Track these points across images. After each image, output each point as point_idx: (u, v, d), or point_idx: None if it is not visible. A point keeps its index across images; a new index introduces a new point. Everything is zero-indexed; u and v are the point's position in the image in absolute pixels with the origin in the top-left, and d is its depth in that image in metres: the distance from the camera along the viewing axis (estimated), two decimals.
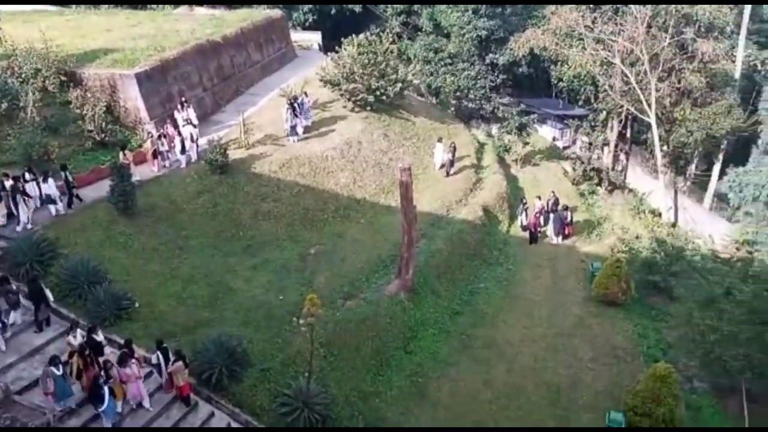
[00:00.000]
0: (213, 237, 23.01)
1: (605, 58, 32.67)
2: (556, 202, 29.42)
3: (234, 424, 16.06)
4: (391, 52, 32.85)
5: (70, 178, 21.22)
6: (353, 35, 32.34)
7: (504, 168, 34.15)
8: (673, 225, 31.26)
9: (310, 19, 44.21)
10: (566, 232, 28.58)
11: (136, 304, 18.21)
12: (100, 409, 14.20)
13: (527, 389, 19.41)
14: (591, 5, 33.23)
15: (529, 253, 27.58)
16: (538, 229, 28.52)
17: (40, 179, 20.16)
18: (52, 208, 20.52)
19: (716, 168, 34.27)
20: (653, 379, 17.54)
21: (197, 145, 25.79)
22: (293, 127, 27.72)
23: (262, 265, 22.26)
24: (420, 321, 21.67)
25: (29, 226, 19.70)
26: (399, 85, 31.99)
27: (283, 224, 24.55)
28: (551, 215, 28.70)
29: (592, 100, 36.64)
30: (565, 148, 39.07)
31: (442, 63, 39.74)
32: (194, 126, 25.89)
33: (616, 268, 23.33)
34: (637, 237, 28.25)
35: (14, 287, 16.26)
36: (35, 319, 16.48)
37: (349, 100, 31.30)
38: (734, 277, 20.58)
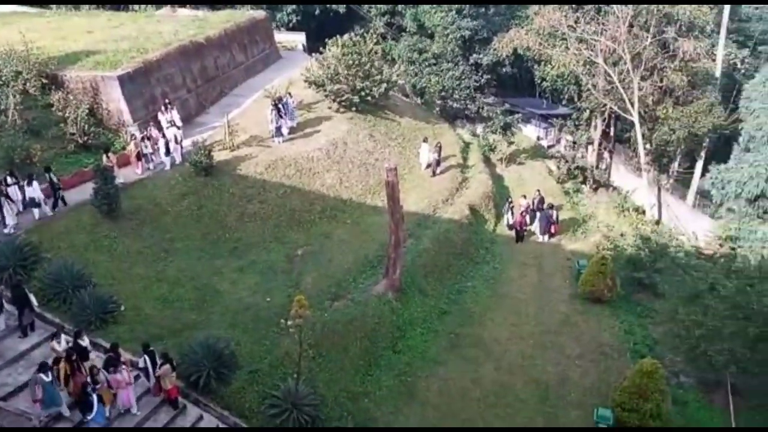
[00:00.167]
0: (199, 239, 22.86)
1: (588, 58, 32.91)
2: (542, 200, 29.59)
3: (223, 427, 15.94)
4: (376, 52, 32.87)
5: (55, 180, 21.01)
6: (337, 36, 32.31)
7: (489, 167, 34.30)
8: (657, 222, 31.56)
9: (294, 20, 44.11)
10: (552, 230, 28.74)
11: (122, 308, 18.01)
12: (88, 418, 13.98)
13: (515, 387, 19.48)
14: (573, 5, 33.45)
15: (516, 251, 27.71)
16: (524, 228, 28.65)
17: (24, 182, 19.92)
18: (35, 211, 20.28)
19: (698, 165, 34.65)
20: (640, 375, 17.67)
21: (181, 147, 25.64)
22: (278, 128, 27.63)
23: (249, 267, 22.15)
24: (408, 320, 21.67)
25: (13, 230, 19.46)
26: (384, 85, 32.01)
27: (270, 226, 24.44)
28: (537, 214, 28.85)
29: (576, 99, 36.91)
30: (549, 147, 39.34)
31: (427, 63, 39.83)
32: (178, 128, 25.72)
33: (602, 266, 23.50)
34: (621, 234, 28.47)
35: None
36: (19, 324, 16.23)
37: (334, 100, 31.27)
38: (718, 273, 20.86)
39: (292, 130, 28.77)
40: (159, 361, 15.55)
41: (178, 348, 16.78)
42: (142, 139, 24.36)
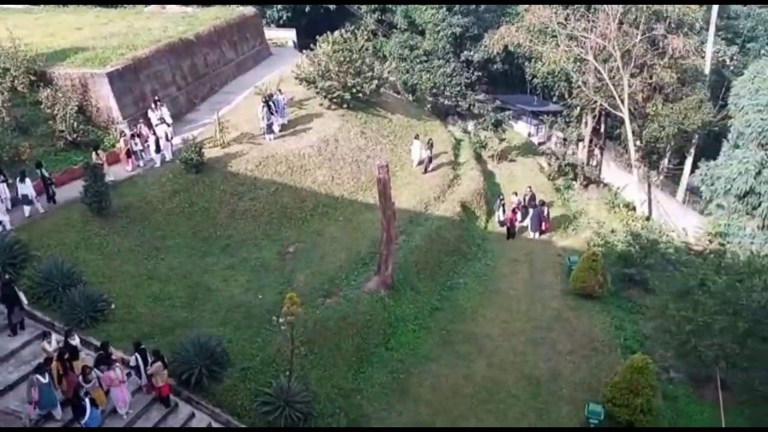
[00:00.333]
0: (190, 237, 22.78)
1: (578, 55, 33.01)
2: (533, 197, 29.68)
3: (215, 424, 15.93)
4: (367, 49, 32.83)
5: (47, 174, 20.96)
6: (328, 33, 32.20)
7: (481, 164, 34.34)
8: (648, 218, 31.73)
9: (285, 17, 43.96)
10: (543, 227, 28.83)
11: (113, 306, 17.92)
12: (81, 422, 13.88)
13: (507, 383, 19.54)
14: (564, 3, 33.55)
15: (507, 248, 27.77)
16: (515, 224, 28.72)
17: (17, 179, 19.84)
18: (26, 209, 20.19)
19: (688, 162, 34.85)
20: (631, 370, 17.79)
21: (172, 144, 25.53)
22: (269, 125, 27.53)
23: (241, 265, 22.10)
24: (400, 317, 21.69)
25: (8, 227, 19.40)
26: (375, 82, 31.96)
27: (261, 223, 24.38)
28: (531, 210, 28.92)
29: (566, 96, 37.02)
30: (540, 143, 39.44)
31: (418, 60, 39.84)
32: (168, 125, 25.59)
33: (593, 262, 23.60)
34: (612, 231, 28.61)
35: None
36: (8, 322, 16.12)
37: (325, 97, 31.19)
38: (707, 269, 20.99)
39: (283, 127, 28.70)
40: (150, 359, 15.50)
41: (170, 346, 16.74)
42: (132, 136, 24.23)
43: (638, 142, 33.20)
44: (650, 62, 32.16)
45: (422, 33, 40.28)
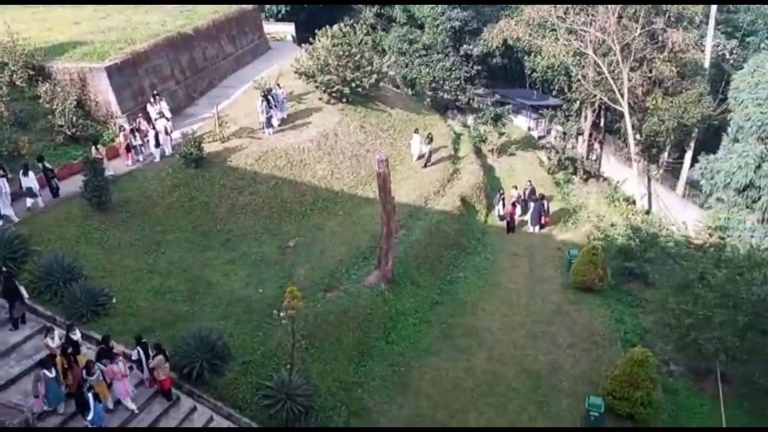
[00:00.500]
0: (190, 231, 22.78)
1: (578, 49, 32.95)
2: (533, 191, 29.68)
3: (216, 418, 15.96)
4: (366, 43, 32.75)
5: (49, 166, 21.01)
6: (327, 26, 32.13)
7: (480, 158, 34.35)
8: (647, 212, 31.74)
9: (283, 11, 43.85)
10: (543, 221, 28.85)
11: (113, 300, 17.92)
12: (87, 418, 13.91)
13: (508, 376, 19.58)
14: None
15: (507, 242, 27.80)
16: (515, 218, 28.72)
17: (20, 173, 19.86)
18: (29, 201, 20.23)
19: (688, 156, 34.84)
20: (631, 363, 17.83)
21: (171, 139, 25.48)
22: (268, 119, 27.49)
23: (241, 259, 22.10)
24: (400, 311, 21.72)
25: (15, 219, 19.47)
26: (374, 76, 31.91)
27: (261, 217, 24.38)
28: (532, 204, 28.91)
29: (566, 90, 36.95)
30: (540, 137, 39.43)
31: (417, 54, 39.75)
32: (167, 119, 25.55)
33: (593, 256, 23.62)
34: (612, 224, 28.62)
35: None
36: (10, 316, 16.12)
37: (324, 92, 31.14)
38: (707, 263, 21.01)
39: (282, 122, 28.67)
40: (152, 353, 15.51)
41: (171, 340, 16.76)
42: (132, 131, 24.19)
43: (638, 136, 33.19)
44: (650, 56, 32.12)
45: (421, 27, 40.19)
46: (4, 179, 19.56)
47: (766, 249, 22.60)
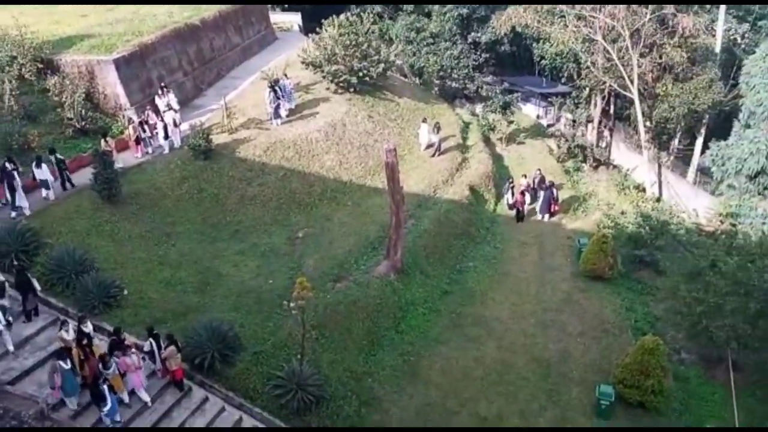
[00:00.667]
0: (199, 223, 22.88)
1: (587, 35, 32.63)
2: (542, 179, 29.54)
3: (228, 408, 16.10)
4: (373, 32, 32.62)
5: (61, 157, 21.20)
6: (334, 16, 32.01)
7: (489, 147, 34.20)
8: (658, 200, 31.53)
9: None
10: (552, 209, 28.73)
11: (125, 292, 18.08)
12: (104, 410, 14.09)
13: (517, 365, 19.59)
14: None
15: (516, 231, 27.73)
16: (524, 207, 28.62)
17: (33, 165, 20.09)
18: (44, 192, 20.51)
19: (699, 142, 34.45)
20: (641, 351, 17.80)
21: (180, 131, 25.53)
22: (276, 110, 27.48)
23: (250, 250, 22.18)
24: (410, 301, 21.74)
25: (27, 213, 19.68)
26: (381, 65, 31.80)
27: (270, 208, 24.43)
28: (541, 193, 28.79)
29: (575, 77, 36.61)
30: (549, 125, 39.15)
31: (425, 43, 39.49)
32: (176, 111, 25.59)
33: (603, 244, 23.51)
34: (622, 212, 28.46)
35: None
36: (23, 309, 16.31)
37: (331, 81, 31.06)
38: (719, 250, 20.81)
39: (290, 112, 28.64)
40: (164, 344, 15.64)
41: (182, 331, 16.90)
42: (140, 123, 24.25)
43: (648, 123, 32.90)
44: (660, 41, 31.73)
45: (428, 15, 39.93)
46: (15, 172, 19.71)
47: None
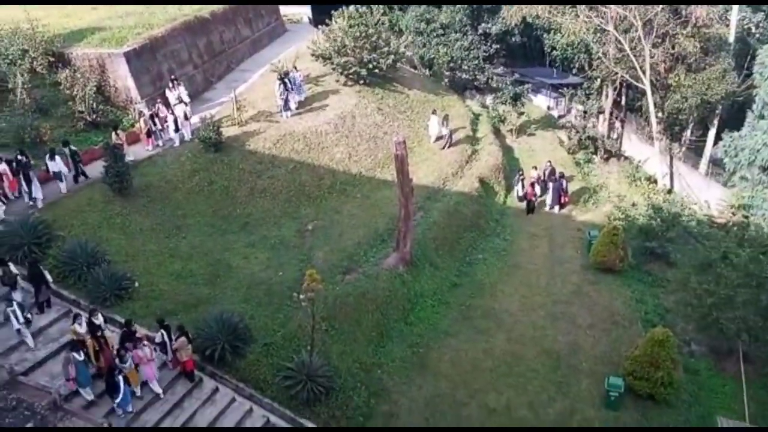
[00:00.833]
0: (210, 215, 23.00)
1: (598, 25, 32.37)
2: (552, 171, 29.39)
3: (239, 398, 16.25)
4: (383, 23, 32.53)
5: (75, 149, 21.47)
6: (343, 7, 31.91)
7: (499, 139, 34.06)
8: (669, 191, 31.32)
9: None
10: (562, 201, 28.61)
11: (136, 284, 18.26)
12: (116, 401, 14.32)
13: (527, 357, 19.59)
14: None
15: (526, 223, 27.65)
16: (534, 199, 28.53)
17: (46, 157, 20.35)
18: (61, 185, 20.77)
19: (711, 133, 34.15)
20: (651, 343, 17.74)
21: (190, 124, 25.64)
22: (286, 103, 27.51)
23: (260, 242, 22.30)
24: (419, 293, 21.77)
25: (39, 206, 19.89)
26: (391, 57, 31.72)
27: (280, 201, 24.52)
28: (550, 185, 28.67)
29: (586, 68, 36.36)
30: (560, 117, 38.92)
31: (435, 34, 39.30)
32: (186, 104, 25.68)
33: (613, 236, 23.39)
34: (633, 204, 28.28)
35: (12, 269, 16.26)
36: (36, 300, 16.54)
37: (341, 73, 31.03)
38: (730, 242, 20.71)
39: (300, 105, 28.66)
40: (175, 335, 15.79)
41: (193, 322, 17.06)
42: (151, 116, 24.37)
43: (660, 114, 32.65)
44: (672, 31, 31.43)
45: (439, 6, 39.69)
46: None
47: None
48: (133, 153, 23.55)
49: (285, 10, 41.06)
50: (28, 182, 19.72)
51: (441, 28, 39.15)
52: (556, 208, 28.54)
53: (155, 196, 22.54)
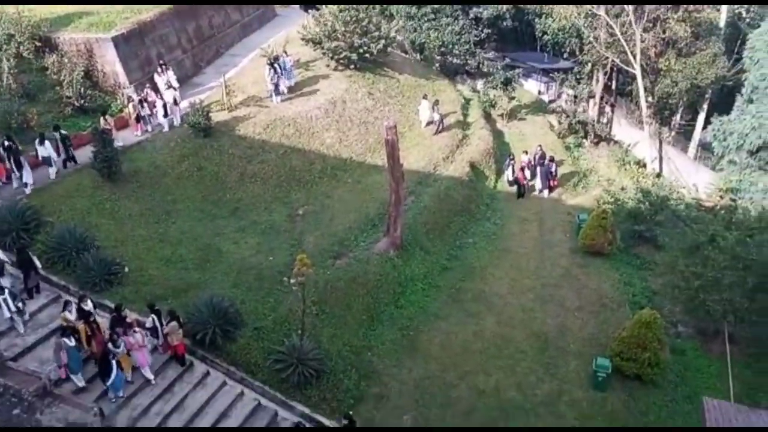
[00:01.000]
0: (199, 200, 22.99)
1: (589, 10, 32.31)
2: (543, 155, 29.44)
3: (229, 382, 16.34)
4: (373, 8, 32.30)
5: (65, 133, 21.36)
6: None
7: (490, 123, 34.03)
8: (658, 175, 31.46)
9: None
10: (551, 184, 28.72)
11: (126, 269, 18.29)
12: (108, 383, 14.39)
13: (516, 339, 19.77)
14: None
15: (517, 207, 27.74)
16: (525, 183, 28.61)
17: (36, 142, 20.24)
18: (51, 170, 20.69)
19: (701, 117, 34.28)
20: (639, 325, 17.96)
21: (179, 109, 25.51)
22: (276, 88, 27.39)
23: (251, 227, 22.33)
24: (409, 277, 21.87)
25: (28, 191, 19.82)
26: (382, 42, 31.56)
27: (270, 186, 24.50)
28: (538, 169, 28.76)
29: (577, 53, 36.34)
30: (550, 101, 38.93)
31: (426, 18, 39.09)
32: (175, 89, 25.54)
33: (602, 220, 23.55)
34: (622, 188, 28.43)
35: (0, 255, 16.25)
36: (24, 286, 16.55)
37: (331, 58, 30.87)
38: (718, 225, 20.82)
39: (290, 90, 28.54)
40: (166, 320, 15.84)
41: (184, 307, 17.11)
42: (140, 101, 24.24)
43: (650, 99, 32.71)
44: (663, 16, 31.40)
45: None
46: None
47: None
48: (122, 138, 23.46)
49: None
50: (19, 167, 19.62)
51: (432, 13, 38.92)
52: (546, 192, 28.65)
53: (144, 181, 22.48)
